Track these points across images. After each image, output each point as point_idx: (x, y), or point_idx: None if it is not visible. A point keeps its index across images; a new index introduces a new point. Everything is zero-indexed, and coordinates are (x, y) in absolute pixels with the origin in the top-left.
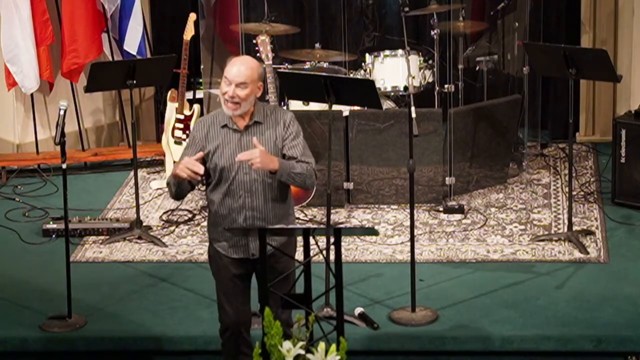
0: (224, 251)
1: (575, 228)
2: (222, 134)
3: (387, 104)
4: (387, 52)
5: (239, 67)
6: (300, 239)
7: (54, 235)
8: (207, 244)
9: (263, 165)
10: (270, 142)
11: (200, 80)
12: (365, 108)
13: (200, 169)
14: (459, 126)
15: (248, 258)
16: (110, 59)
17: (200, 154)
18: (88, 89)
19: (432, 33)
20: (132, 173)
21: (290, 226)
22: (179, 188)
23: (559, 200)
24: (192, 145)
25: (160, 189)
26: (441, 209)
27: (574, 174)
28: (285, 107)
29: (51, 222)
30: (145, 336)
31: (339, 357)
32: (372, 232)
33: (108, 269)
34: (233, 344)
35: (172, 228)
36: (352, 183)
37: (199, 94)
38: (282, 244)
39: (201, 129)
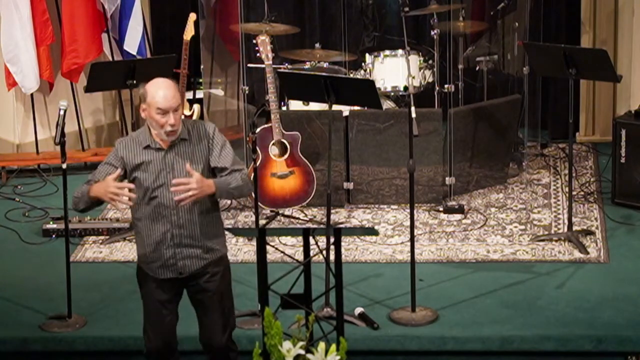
0: (152, 273)
1: (575, 228)
2: (144, 154)
3: (387, 104)
4: (387, 52)
5: (166, 93)
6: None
7: (54, 235)
8: None
9: (201, 194)
10: (202, 158)
11: (200, 80)
12: (365, 108)
13: (131, 198)
14: (459, 126)
15: (177, 277)
16: (110, 59)
17: (117, 173)
18: (88, 89)
19: (432, 33)
20: None
21: (291, 226)
22: (91, 206)
23: (559, 200)
24: (111, 163)
25: None
26: (441, 209)
27: (574, 174)
28: (285, 107)
29: (51, 222)
30: None
31: (339, 357)
32: (372, 232)
33: (108, 269)
34: None
35: None
36: (352, 183)
37: (199, 94)
38: (212, 262)
39: (123, 149)
